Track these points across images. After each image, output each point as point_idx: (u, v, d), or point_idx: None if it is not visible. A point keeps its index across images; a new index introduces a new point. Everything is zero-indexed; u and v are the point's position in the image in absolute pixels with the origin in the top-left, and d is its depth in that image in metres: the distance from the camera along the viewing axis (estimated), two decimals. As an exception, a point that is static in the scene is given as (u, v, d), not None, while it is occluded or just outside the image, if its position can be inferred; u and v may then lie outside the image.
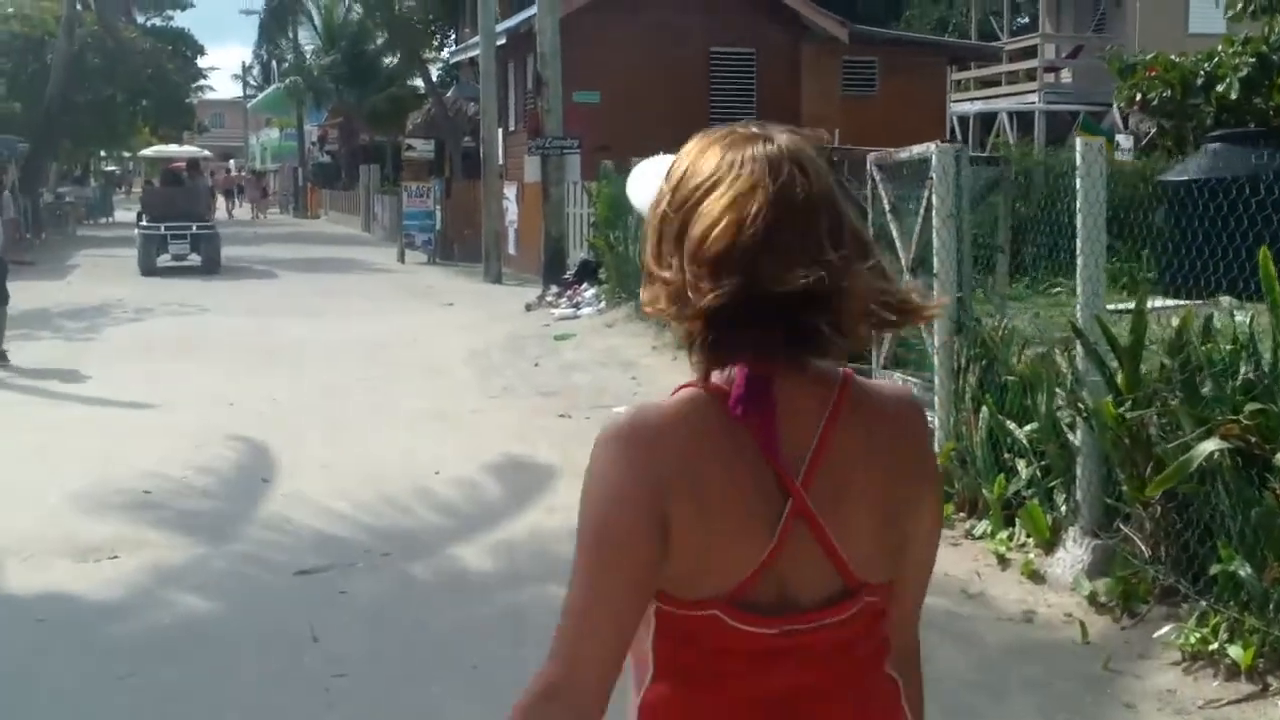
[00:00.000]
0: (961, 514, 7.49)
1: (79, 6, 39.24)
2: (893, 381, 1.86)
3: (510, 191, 27.44)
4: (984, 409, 7.42)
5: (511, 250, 27.47)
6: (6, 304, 14.98)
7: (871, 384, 1.94)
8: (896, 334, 9.43)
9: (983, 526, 7.20)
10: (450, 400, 12.21)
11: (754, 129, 1.91)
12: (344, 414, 11.46)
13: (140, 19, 54.57)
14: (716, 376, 1.87)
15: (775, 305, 1.74)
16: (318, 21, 55.45)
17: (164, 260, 26.23)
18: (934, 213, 8.26)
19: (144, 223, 26.82)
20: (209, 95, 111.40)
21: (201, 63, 58.92)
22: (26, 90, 39.03)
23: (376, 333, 17.17)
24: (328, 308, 20.49)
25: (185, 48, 56.37)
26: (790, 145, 1.85)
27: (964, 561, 6.83)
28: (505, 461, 9.49)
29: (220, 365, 14.40)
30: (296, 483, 8.73)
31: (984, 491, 7.27)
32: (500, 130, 28.76)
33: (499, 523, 7.88)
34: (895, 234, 9.25)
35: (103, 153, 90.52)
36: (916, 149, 9.29)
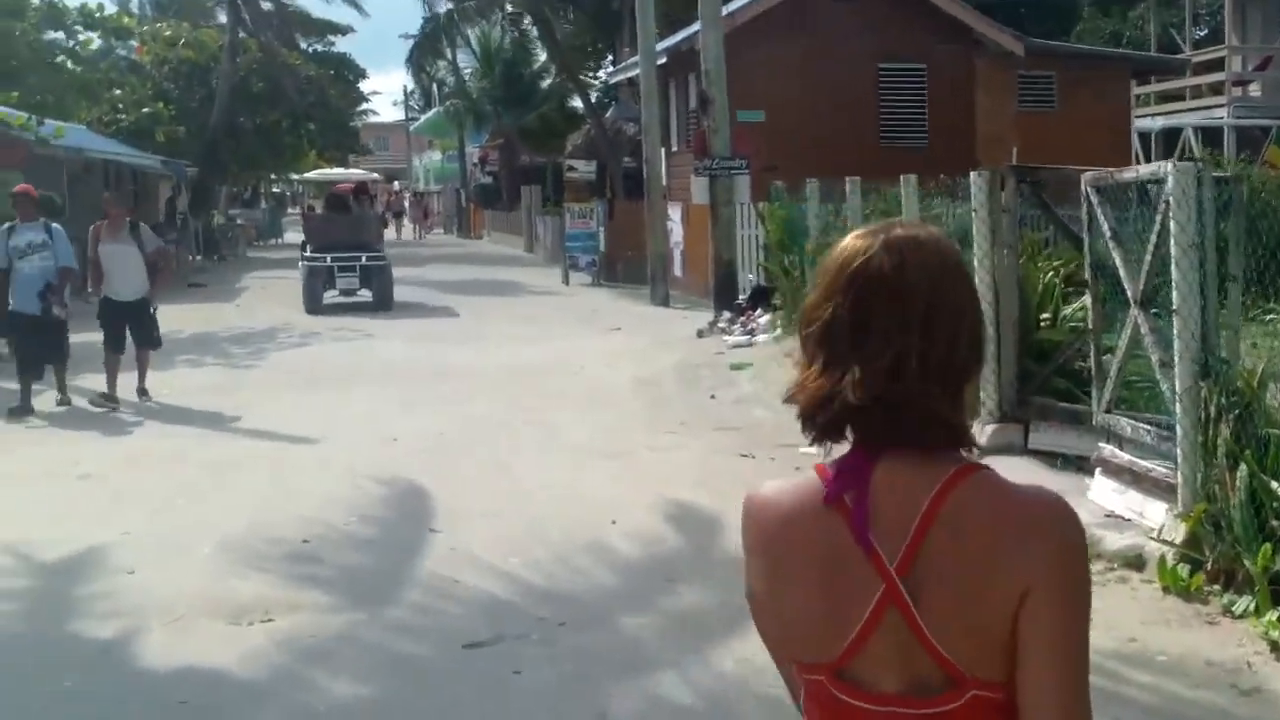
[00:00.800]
0: (1215, 586, 6.51)
1: (242, 34, 39.76)
2: (1039, 488, 1.61)
3: (675, 213, 26.79)
4: (1242, 466, 6.46)
5: (677, 272, 26.82)
6: (64, 361, 13.49)
7: (999, 482, 1.90)
8: (1120, 372, 8.52)
9: (1244, 603, 6.23)
10: (622, 436, 11.53)
11: (876, 226, 1.98)
12: (511, 450, 10.84)
13: (303, 44, 55.30)
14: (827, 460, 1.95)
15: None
16: (475, 45, 55.66)
17: (331, 296, 23.66)
18: (1172, 241, 7.31)
19: (308, 253, 23.98)
20: (373, 119, 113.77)
21: (364, 87, 59.74)
22: (194, 116, 39.60)
23: (542, 359, 16.62)
24: (492, 332, 20.05)
25: (347, 72, 57.12)
26: (901, 237, 1.93)
27: (1227, 647, 5.89)
28: (688, 511, 8.74)
29: (383, 394, 13.97)
30: (463, 534, 8.09)
31: (1245, 562, 6.30)
32: (663, 150, 28.18)
33: (686, 587, 7.12)
34: (1119, 264, 8.29)
35: (273, 175, 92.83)
36: (1144, 169, 8.35)
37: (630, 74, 30.30)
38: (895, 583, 1.83)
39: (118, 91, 37.92)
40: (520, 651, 6.11)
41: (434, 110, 68.24)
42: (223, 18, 44.22)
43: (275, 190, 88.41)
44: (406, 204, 64.64)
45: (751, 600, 1.98)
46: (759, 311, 17.26)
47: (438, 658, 6.07)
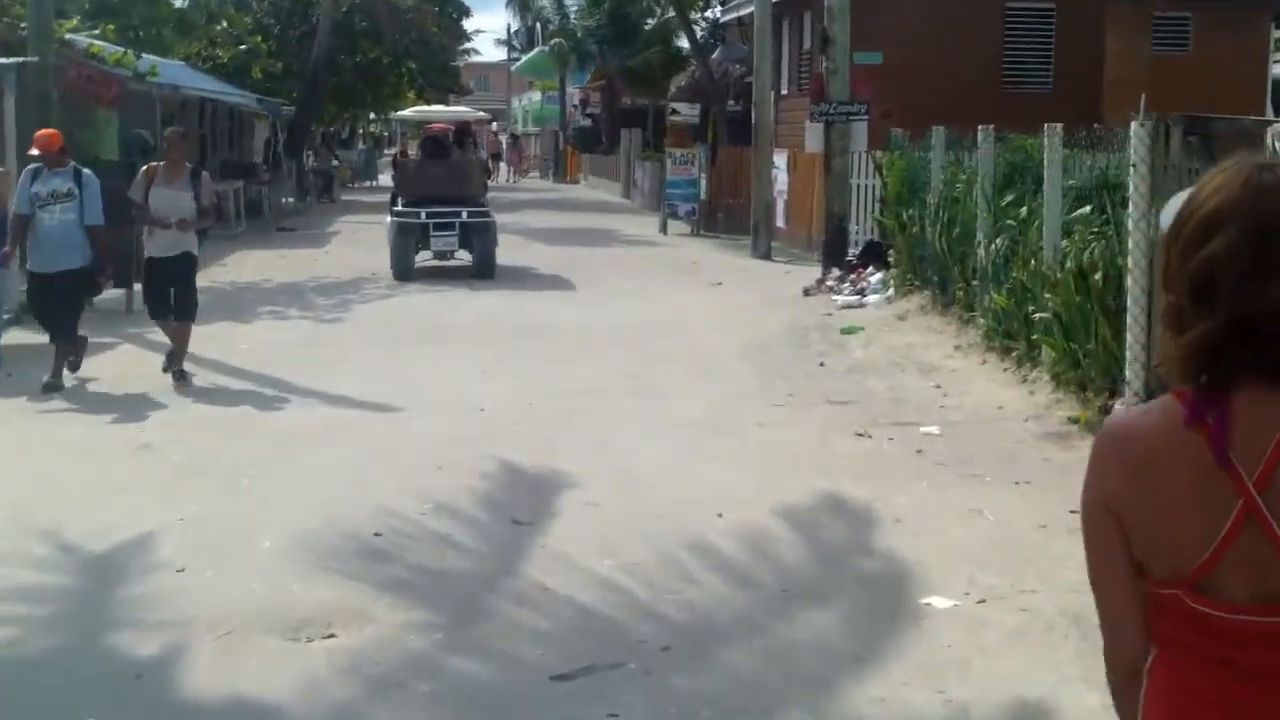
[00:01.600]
0: None
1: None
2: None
3: (780, 160, 25.66)
4: None
5: (780, 223, 25.72)
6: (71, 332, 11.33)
7: None
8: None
9: None
10: (728, 408, 10.62)
11: (1260, 163, 2.02)
12: (608, 425, 9.95)
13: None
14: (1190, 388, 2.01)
15: (1247, 328, 1.95)
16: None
17: (425, 258, 20.11)
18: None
19: (399, 207, 19.94)
20: (475, 59, 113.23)
21: (468, 25, 58.83)
22: (295, 53, 38.95)
23: (640, 316, 15.71)
24: (586, 285, 19.16)
25: (451, 9, 56.21)
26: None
27: None
28: (803, 502, 7.81)
29: (471, 353, 13.16)
30: (554, 529, 7.23)
31: None
32: (772, 94, 27.02)
33: (804, 602, 6.21)
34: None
35: (372, 115, 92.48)
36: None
37: (741, 12, 29.15)
38: (1254, 497, 1.96)
39: (217, 27, 37.33)
40: (615, 686, 5.24)
41: (536, 50, 67.35)
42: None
43: (372, 131, 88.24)
44: (504, 146, 63.77)
45: (1099, 533, 2.11)
46: (870, 269, 16.20)
47: (521, 692, 5.20)
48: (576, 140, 60.28)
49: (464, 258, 20.02)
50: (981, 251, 12.31)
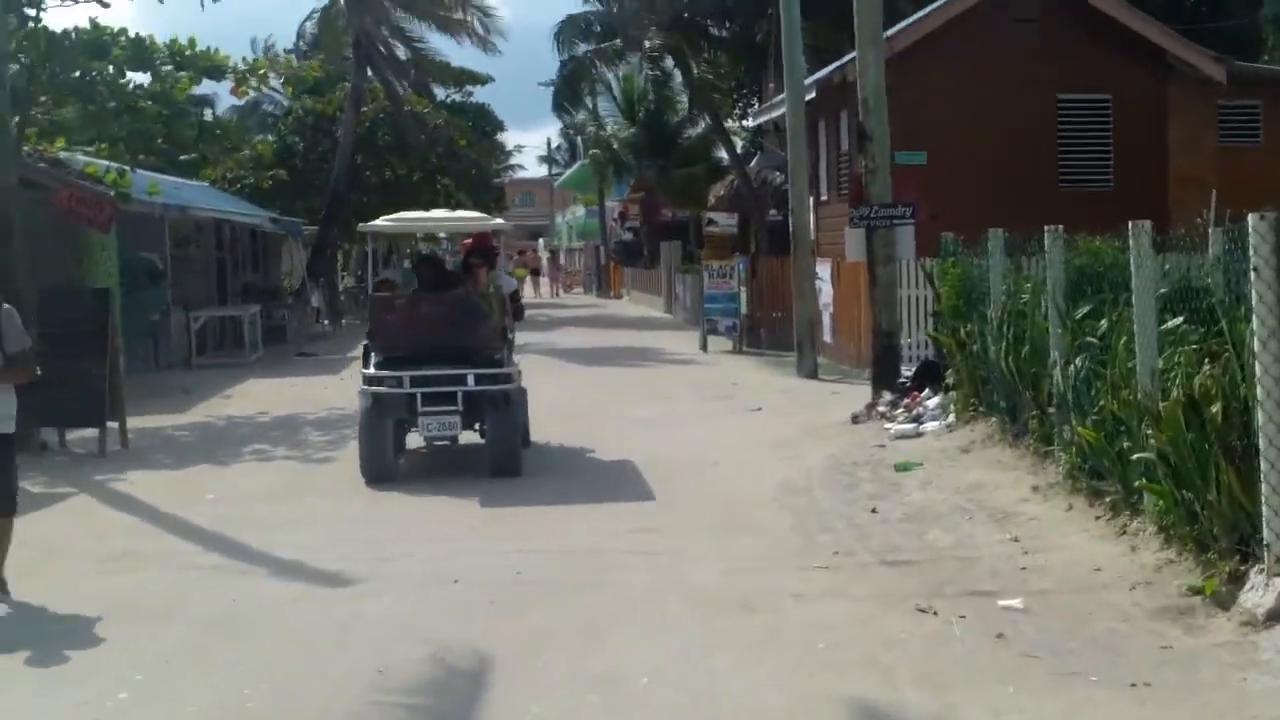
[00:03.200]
0: None
1: (369, 81, 37.90)
2: None
3: (824, 270, 23.89)
4: None
5: (827, 337, 23.88)
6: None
7: None
8: None
9: None
10: (762, 575, 8.70)
11: None
12: (605, 603, 8.07)
13: (441, 94, 53.40)
14: None
15: None
16: (617, 92, 53.50)
17: (416, 442, 13.62)
18: None
19: (370, 369, 12.95)
20: (519, 174, 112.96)
21: (510, 142, 57.89)
22: (319, 170, 37.77)
23: (669, 449, 13.88)
24: (614, 412, 17.38)
25: (485, 123, 55.23)
26: None
27: None
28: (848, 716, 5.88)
29: (461, 506, 11.33)
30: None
31: None
32: (811, 199, 25.34)
33: None
34: None
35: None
36: None
37: (775, 114, 27.60)
38: None
39: (246, 152, 36.29)
40: None
41: (579, 163, 66.34)
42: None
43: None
44: (544, 262, 62.50)
45: None
46: (926, 392, 14.28)
47: None
48: (619, 254, 58.94)
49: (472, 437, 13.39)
50: (1057, 374, 10.39)
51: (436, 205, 48.14)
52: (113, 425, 14.90)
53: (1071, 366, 10.15)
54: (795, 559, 9.13)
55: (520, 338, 31.27)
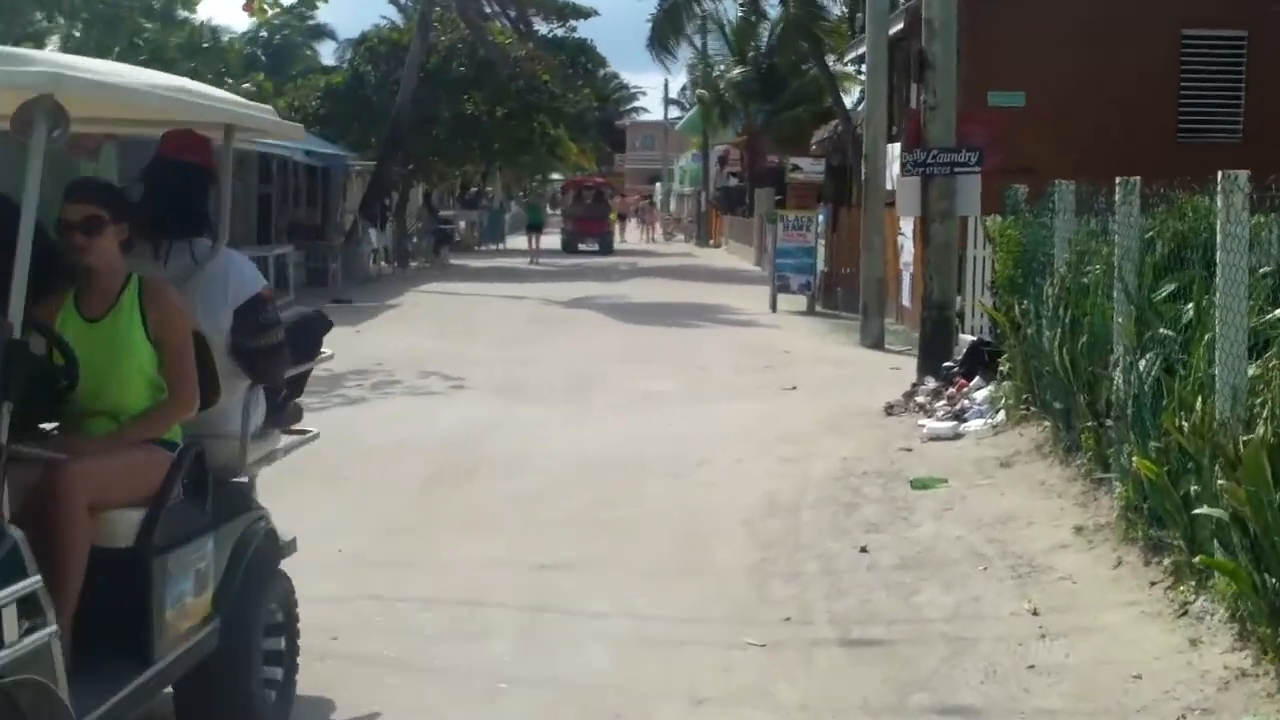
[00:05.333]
0: None
1: (446, 8, 35.54)
2: None
3: (907, 226, 21.14)
4: None
5: (905, 301, 21.18)
6: None
7: None
8: None
9: None
10: (668, 649, 6.31)
11: None
12: (430, 692, 5.70)
13: (542, 29, 50.92)
14: None
15: None
16: (727, 30, 50.65)
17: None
18: None
19: None
20: (643, 117, 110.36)
21: (635, 83, 55.37)
22: (391, 103, 35.61)
23: (659, 442, 11.50)
24: (628, 386, 14.99)
25: (585, 59, 52.79)
26: None
27: None
28: None
29: (398, 501, 9.09)
30: None
31: None
32: (897, 147, 22.56)
33: None
34: None
35: (538, 176, 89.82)
36: None
37: (862, 49, 24.78)
38: None
39: (299, 80, 34.30)
40: None
41: (696, 107, 63.64)
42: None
43: (535, 188, 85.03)
44: (639, 208, 60.15)
45: None
46: (976, 381, 11.58)
47: None
48: (718, 201, 56.19)
49: None
50: (1118, 376, 7.73)
51: (531, 146, 46.04)
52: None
53: (1138, 366, 7.49)
54: (730, 626, 6.66)
55: (587, 289, 29.26)
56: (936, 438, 10.60)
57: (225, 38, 41.33)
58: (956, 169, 12.65)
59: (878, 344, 18.78)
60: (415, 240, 39.44)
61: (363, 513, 8.95)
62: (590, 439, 11.61)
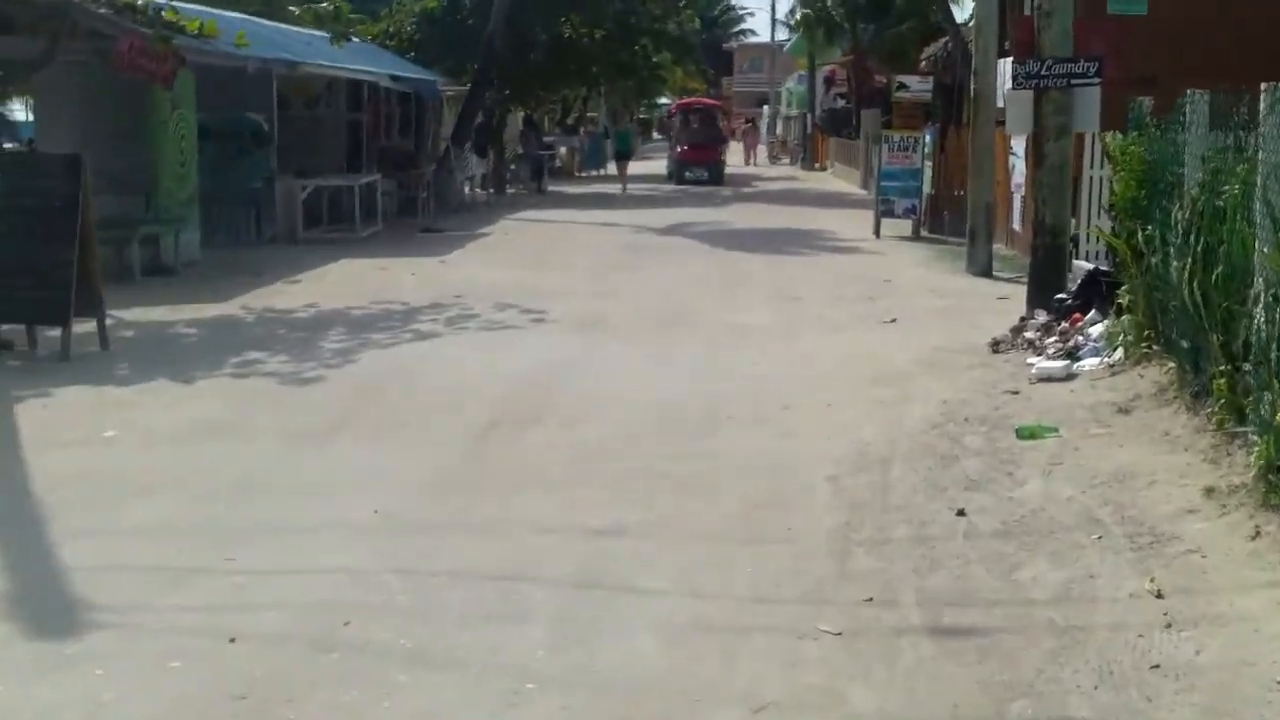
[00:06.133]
0: None
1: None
2: None
3: (1019, 146, 19.87)
4: None
5: (1016, 225, 19.97)
6: None
7: None
8: None
9: None
10: (731, 637, 5.51)
11: None
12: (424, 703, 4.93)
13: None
14: None
15: None
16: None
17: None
18: None
19: None
20: (751, 39, 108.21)
21: (743, 4, 53.91)
22: (479, 27, 34.62)
23: (740, 377, 10.67)
24: (713, 315, 14.13)
25: (687, -18, 51.23)
26: None
27: None
28: None
29: (451, 452, 8.35)
30: None
31: None
32: (1008, 62, 21.23)
33: None
34: None
35: (646, 101, 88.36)
36: None
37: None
38: None
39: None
40: None
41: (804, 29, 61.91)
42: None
43: (643, 116, 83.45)
44: (738, 132, 58.74)
45: None
46: (1092, 315, 10.50)
47: None
48: (825, 123, 54.58)
49: None
50: (1259, 314, 6.69)
51: (633, 69, 44.84)
52: (87, 325, 12.30)
53: (1283, 304, 6.45)
54: (804, 608, 5.80)
55: (685, 215, 28.27)
56: (1047, 378, 9.58)
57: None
58: (1074, 80, 11.46)
59: (985, 272, 17.67)
60: (513, 167, 38.60)
61: (410, 465, 8.19)
62: (670, 379, 10.76)
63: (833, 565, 6.33)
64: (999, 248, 19.11)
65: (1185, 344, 8.19)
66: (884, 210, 23.58)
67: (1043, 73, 11.46)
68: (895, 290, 16.22)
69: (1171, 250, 8.22)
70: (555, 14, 36.36)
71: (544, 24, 35.95)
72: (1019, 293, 15.28)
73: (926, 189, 23.76)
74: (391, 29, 36.44)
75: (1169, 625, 5.36)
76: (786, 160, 61.10)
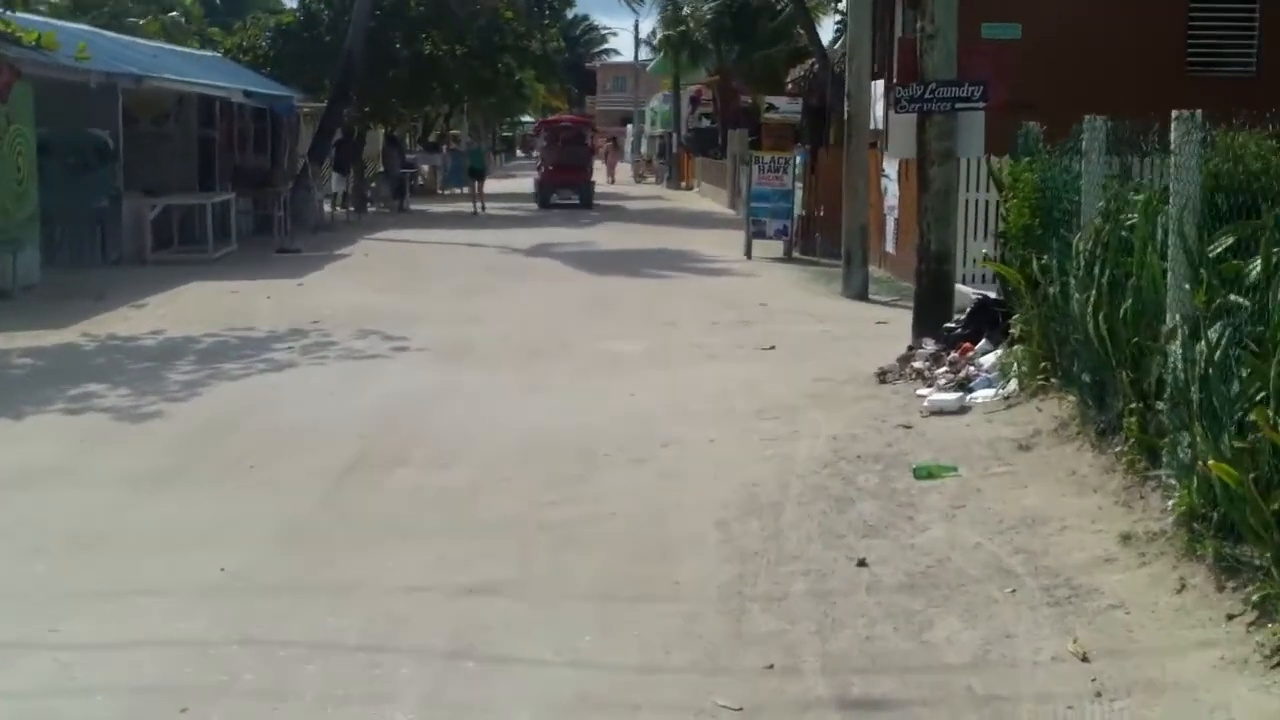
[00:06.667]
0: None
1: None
2: None
3: (891, 168, 19.70)
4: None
5: (889, 247, 19.79)
6: None
7: None
8: None
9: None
10: (630, 717, 4.87)
11: None
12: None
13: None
14: None
15: None
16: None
17: None
18: None
19: None
20: (614, 59, 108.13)
21: (607, 25, 53.57)
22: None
23: (615, 411, 10.10)
24: (585, 342, 13.56)
25: (552, -1, 50.80)
26: None
27: None
28: None
29: (308, 499, 7.62)
30: None
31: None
32: (881, 84, 21.10)
33: None
34: None
35: (509, 119, 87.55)
36: None
37: (839, -18, 23.18)
38: None
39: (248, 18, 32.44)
40: None
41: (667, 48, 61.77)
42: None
43: (506, 134, 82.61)
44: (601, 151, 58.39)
45: None
46: (983, 344, 10.13)
47: None
48: (690, 143, 54.46)
49: None
50: (1176, 350, 6.30)
51: (496, 87, 44.13)
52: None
53: (1202, 340, 6.04)
54: (698, 677, 5.23)
55: (551, 235, 27.60)
56: (939, 411, 9.16)
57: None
58: (959, 105, 11.12)
59: (861, 295, 17.38)
60: (374, 185, 37.67)
61: (262, 514, 7.48)
62: (542, 412, 10.16)
63: (727, 626, 5.78)
64: (873, 269, 18.85)
65: (1087, 378, 7.80)
66: (755, 231, 23.25)
67: (926, 96, 11.10)
68: (771, 314, 15.81)
69: (1072, 281, 7.83)
70: (416, 30, 35.65)
71: (405, 40, 35.21)
72: (898, 316, 15.01)
73: (798, 210, 23.49)
74: (246, 43, 35.44)
75: (1099, 694, 4.90)
76: (652, 179, 60.86)
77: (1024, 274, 9.00)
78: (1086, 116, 8.15)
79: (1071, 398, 8.24)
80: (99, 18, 20.73)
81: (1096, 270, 7.32)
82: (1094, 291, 7.29)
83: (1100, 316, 7.19)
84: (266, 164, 29.93)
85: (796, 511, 7.37)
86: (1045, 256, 8.68)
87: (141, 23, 19.98)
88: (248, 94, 26.36)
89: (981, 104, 11.24)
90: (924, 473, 7.73)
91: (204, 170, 26.20)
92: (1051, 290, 8.40)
